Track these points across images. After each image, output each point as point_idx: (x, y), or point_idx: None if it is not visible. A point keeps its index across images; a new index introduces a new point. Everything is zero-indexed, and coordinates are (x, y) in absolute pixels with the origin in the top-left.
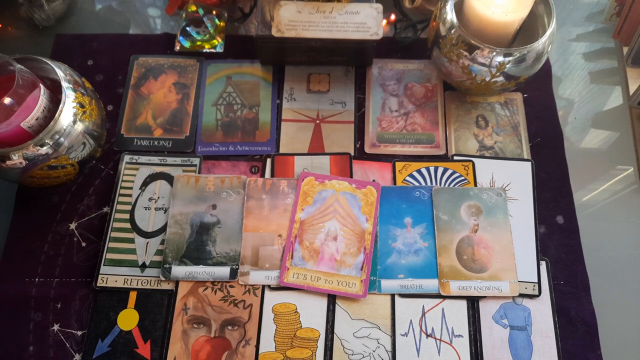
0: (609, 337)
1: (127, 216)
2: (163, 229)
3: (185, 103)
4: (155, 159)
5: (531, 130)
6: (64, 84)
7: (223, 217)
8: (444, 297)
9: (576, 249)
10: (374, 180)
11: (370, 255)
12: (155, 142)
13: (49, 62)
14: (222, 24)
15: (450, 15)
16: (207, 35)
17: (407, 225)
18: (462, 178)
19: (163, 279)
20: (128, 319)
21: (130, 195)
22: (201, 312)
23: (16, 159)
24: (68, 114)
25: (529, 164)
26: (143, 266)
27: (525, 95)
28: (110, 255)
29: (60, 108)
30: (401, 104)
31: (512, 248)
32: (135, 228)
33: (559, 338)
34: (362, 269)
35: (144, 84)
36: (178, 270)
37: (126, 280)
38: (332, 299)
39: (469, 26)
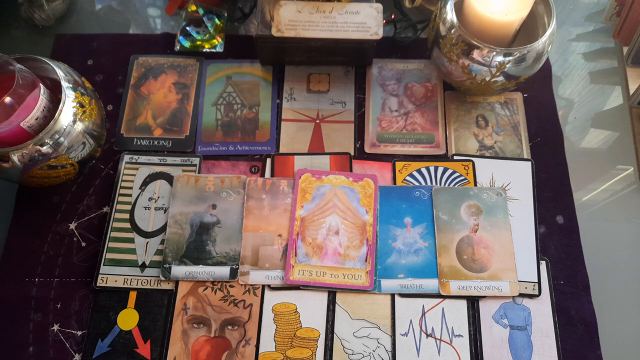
0: (609, 337)
1: (127, 216)
2: (163, 228)
3: (185, 103)
4: (155, 159)
5: (531, 130)
6: (64, 84)
7: (223, 217)
8: (444, 297)
9: (576, 249)
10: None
11: (373, 246)
12: (155, 142)
13: (49, 62)
14: (222, 23)
15: (450, 15)
16: (207, 35)
17: (407, 225)
18: (462, 178)
19: (163, 278)
20: (128, 319)
21: (130, 195)
22: (201, 312)
23: (16, 158)
24: (68, 114)
25: (529, 163)
26: (143, 266)
27: (525, 95)
28: (110, 255)
29: (60, 108)
30: (401, 103)
31: (512, 248)
32: (135, 228)
33: (559, 338)
34: (366, 261)
35: (144, 83)
36: (178, 270)
37: (126, 280)
38: (332, 298)
39: (469, 26)
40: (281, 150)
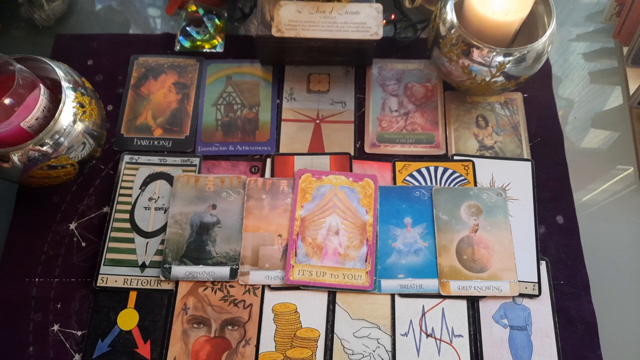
0: (609, 337)
1: (127, 216)
2: (163, 229)
3: (185, 103)
4: (155, 159)
5: (531, 130)
6: (64, 84)
7: (223, 217)
8: (444, 297)
9: (576, 249)
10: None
11: (373, 246)
12: (155, 142)
13: (49, 62)
14: (222, 23)
15: (450, 15)
16: (207, 35)
17: (407, 225)
18: (462, 178)
19: (163, 279)
20: (128, 319)
21: (130, 195)
22: (201, 312)
23: (16, 158)
24: (68, 114)
25: (529, 163)
26: (143, 266)
27: (525, 95)
28: (110, 255)
29: (60, 108)
30: (401, 103)
31: (512, 248)
32: (135, 228)
33: (559, 338)
34: (366, 261)
35: (144, 83)
36: (178, 270)
37: (126, 280)
38: (332, 298)
39: (469, 26)
40: (281, 150)
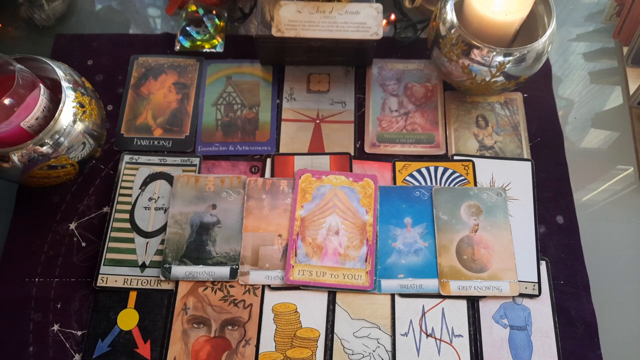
0: (609, 337)
1: (127, 216)
2: (163, 228)
3: (185, 103)
4: (155, 159)
5: (531, 130)
6: (64, 84)
7: (223, 217)
8: (444, 297)
9: (576, 249)
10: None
11: (373, 246)
12: (155, 142)
13: (49, 62)
14: (222, 23)
15: (450, 15)
16: (207, 35)
17: (407, 225)
18: (462, 178)
19: (163, 278)
20: (128, 319)
21: (130, 195)
22: (201, 312)
23: (16, 158)
24: (68, 114)
25: (529, 163)
26: (143, 266)
27: (525, 95)
28: (110, 255)
29: (60, 108)
30: (401, 103)
31: (512, 248)
32: (135, 228)
33: (559, 338)
34: (366, 261)
35: (144, 83)
36: (178, 270)
37: (126, 280)
38: (332, 298)
39: (469, 26)
40: (281, 150)
